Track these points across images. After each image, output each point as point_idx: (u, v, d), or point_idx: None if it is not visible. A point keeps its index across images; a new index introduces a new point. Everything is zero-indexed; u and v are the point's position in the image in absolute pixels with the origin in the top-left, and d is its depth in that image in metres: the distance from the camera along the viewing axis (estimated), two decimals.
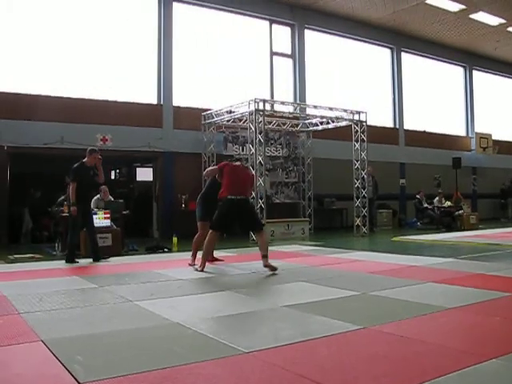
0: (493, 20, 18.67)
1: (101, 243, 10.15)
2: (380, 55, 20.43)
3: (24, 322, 4.50)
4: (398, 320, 4.40)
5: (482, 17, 18.35)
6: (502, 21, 18.73)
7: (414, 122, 20.86)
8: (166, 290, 4.71)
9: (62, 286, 6.39)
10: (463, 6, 17.26)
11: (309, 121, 16.21)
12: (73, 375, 3.09)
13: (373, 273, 7.20)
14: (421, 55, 21.54)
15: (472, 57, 23.07)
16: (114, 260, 9.40)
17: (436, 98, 21.86)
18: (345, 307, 5.03)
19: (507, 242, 11.58)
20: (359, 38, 19.43)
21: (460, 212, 17.08)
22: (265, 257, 7.22)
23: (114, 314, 4.82)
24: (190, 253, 8.19)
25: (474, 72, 23.72)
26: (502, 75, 25.04)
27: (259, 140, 13.15)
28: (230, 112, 14.25)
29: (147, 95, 14.90)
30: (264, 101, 13.40)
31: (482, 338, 3.91)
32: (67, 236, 10.99)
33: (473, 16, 18.23)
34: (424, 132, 21.09)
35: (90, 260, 9.25)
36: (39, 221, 14.11)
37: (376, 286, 6.07)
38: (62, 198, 11.82)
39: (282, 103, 14.69)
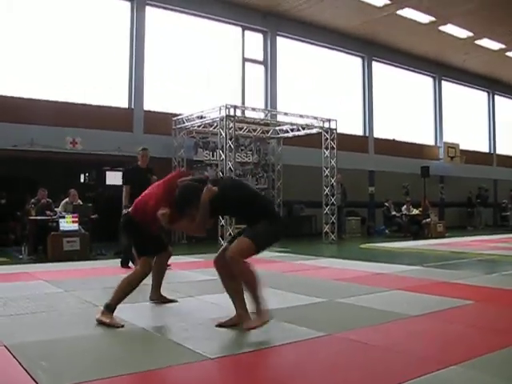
0: (461, 33, 19.05)
1: (68, 247, 10.07)
2: (351, 64, 20.64)
3: None
4: (362, 327, 4.45)
5: (450, 29, 18.71)
6: (470, 34, 19.13)
7: (383, 130, 21.10)
8: (132, 296, 4.70)
9: (28, 291, 6.32)
10: (433, 18, 17.58)
11: (279, 127, 16.29)
12: (36, 381, 3.08)
13: (339, 280, 7.26)
14: (391, 65, 21.81)
15: (441, 67, 23.45)
16: (81, 264, 9.31)
17: (406, 107, 22.15)
18: (310, 314, 5.06)
19: (472, 251, 11.77)
20: (331, 46, 19.61)
21: (427, 220, 17.30)
22: None
23: (80, 318, 4.78)
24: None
25: (443, 82, 24.11)
26: (470, 86, 25.49)
27: (229, 146, 13.17)
28: (201, 117, 14.25)
29: (118, 99, 14.83)
30: (235, 107, 13.44)
31: (445, 344, 3.99)
32: (33, 240, 10.93)
33: (442, 28, 18.56)
34: (393, 140, 21.34)
35: (57, 263, 9.16)
36: (6, 224, 13.90)
37: (342, 293, 6.13)
38: (33, 200, 11.69)
39: (253, 109, 14.74)
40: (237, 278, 4.36)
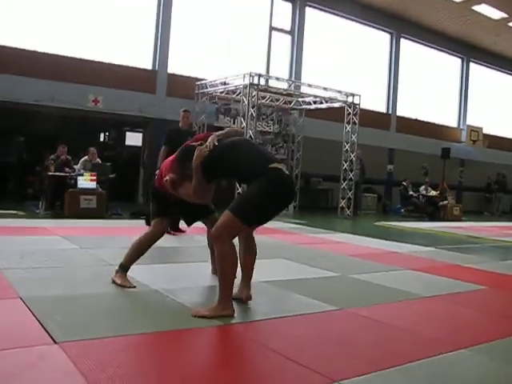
0: (495, 13, 18.65)
1: (85, 205, 10.15)
2: (379, 39, 20.36)
3: (3, 278, 4.50)
4: (374, 304, 4.46)
5: (484, 9, 18.31)
6: (504, 15, 18.71)
7: (406, 108, 20.88)
8: (148, 257, 4.74)
9: (44, 245, 6.40)
10: None
11: (302, 99, 16.17)
12: (49, 334, 3.12)
13: (353, 255, 7.26)
14: (420, 43, 21.48)
15: (471, 49, 23.04)
16: (97, 222, 9.39)
17: (431, 87, 21.86)
18: (323, 287, 5.07)
19: (488, 236, 11.70)
20: (360, 20, 19.32)
21: (444, 202, 17.20)
22: None
23: (95, 276, 4.83)
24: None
25: (471, 64, 23.72)
26: (499, 70, 25.04)
27: (251, 114, 13.12)
28: (225, 84, 14.17)
29: (143, 60, 14.78)
30: (259, 75, 13.34)
31: (455, 327, 3.98)
32: (51, 195, 11.03)
33: (475, 8, 18.18)
34: (416, 120, 21.13)
35: (73, 220, 9.26)
36: (25, 178, 14.03)
37: (355, 268, 6.13)
38: (52, 156, 11.76)
39: (277, 79, 14.62)
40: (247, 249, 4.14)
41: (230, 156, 3.94)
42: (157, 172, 5.11)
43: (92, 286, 4.47)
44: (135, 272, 4.68)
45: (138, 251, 4.61)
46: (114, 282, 4.49)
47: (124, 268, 4.59)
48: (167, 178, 4.30)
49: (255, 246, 4.19)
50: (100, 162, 11.87)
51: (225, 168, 4.02)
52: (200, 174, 3.91)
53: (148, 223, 7.19)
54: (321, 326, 3.76)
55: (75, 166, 11.51)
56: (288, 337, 3.47)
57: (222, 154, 3.94)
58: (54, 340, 3.02)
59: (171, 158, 4.53)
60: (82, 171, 11.03)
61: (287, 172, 3.95)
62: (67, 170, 11.30)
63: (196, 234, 7.79)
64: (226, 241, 3.70)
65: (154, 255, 5.02)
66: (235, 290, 3.97)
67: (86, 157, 11.70)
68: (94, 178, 10.64)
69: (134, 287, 4.41)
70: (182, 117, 8.76)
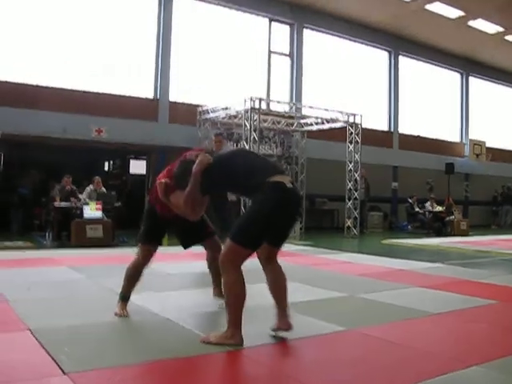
0: (491, 28, 18.78)
1: (91, 234, 10.18)
2: (378, 58, 20.47)
3: (12, 310, 4.51)
4: (383, 323, 4.43)
5: (480, 24, 18.44)
6: (500, 29, 18.84)
7: (408, 125, 20.92)
8: (155, 284, 4.76)
9: (52, 276, 6.41)
10: (462, 13, 17.34)
11: (304, 121, 16.23)
12: (59, 365, 3.12)
13: (361, 275, 7.23)
14: (418, 59, 21.58)
15: (469, 63, 23.14)
16: (103, 251, 9.40)
17: (432, 103, 21.92)
18: (331, 308, 5.06)
19: (496, 250, 11.63)
20: (358, 39, 19.46)
21: (451, 217, 17.15)
22: None
23: (101, 305, 4.83)
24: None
25: (471, 78, 23.79)
26: (498, 83, 25.11)
27: (254, 138, 13.18)
28: (226, 109, 14.25)
29: (144, 89, 14.89)
30: (260, 99, 13.42)
31: (467, 344, 3.96)
32: (58, 226, 11.07)
33: (471, 23, 18.32)
34: (418, 136, 21.16)
35: (80, 250, 9.28)
36: (31, 209, 14.08)
37: (364, 288, 6.11)
38: (58, 187, 11.82)
39: (278, 102, 14.71)
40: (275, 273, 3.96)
41: (227, 166, 3.82)
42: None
43: (100, 315, 4.46)
44: (144, 300, 4.68)
45: (130, 280, 4.54)
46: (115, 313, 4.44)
47: (123, 297, 4.54)
48: (162, 180, 4.19)
49: (280, 271, 3.98)
50: (105, 190, 11.93)
51: (221, 180, 3.88)
52: (198, 181, 3.75)
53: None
54: (329, 348, 3.75)
55: (80, 196, 11.57)
56: (299, 360, 3.46)
57: (221, 164, 3.83)
58: (63, 371, 3.02)
59: (170, 166, 4.38)
60: (87, 201, 11.08)
61: (290, 184, 3.70)
62: (73, 200, 11.35)
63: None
64: (231, 269, 3.60)
65: (160, 282, 5.01)
66: (275, 321, 3.92)
67: (91, 186, 11.77)
68: (100, 207, 10.68)
69: (126, 316, 4.38)
70: (214, 141, 8.47)
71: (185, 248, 4.77)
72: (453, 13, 17.39)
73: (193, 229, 4.57)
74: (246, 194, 3.90)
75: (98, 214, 10.63)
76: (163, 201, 4.19)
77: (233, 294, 3.61)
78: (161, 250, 4.58)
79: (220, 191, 4.33)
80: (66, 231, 10.87)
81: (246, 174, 3.71)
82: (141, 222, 4.62)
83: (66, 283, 5.96)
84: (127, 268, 4.56)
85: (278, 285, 3.94)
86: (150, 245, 4.51)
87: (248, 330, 3.88)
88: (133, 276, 4.53)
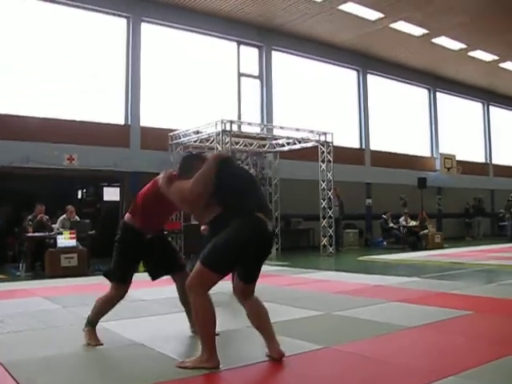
0: (454, 45, 19.18)
1: (66, 263, 10.07)
2: (346, 77, 20.72)
3: None
4: (360, 339, 4.45)
5: (444, 41, 18.83)
6: (463, 46, 19.27)
7: (380, 142, 21.14)
8: (131, 311, 4.71)
9: (26, 308, 6.32)
10: (426, 31, 17.69)
11: (276, 141, 16.32)
12: None
13: (337, 292, 7.26)
14: (386, 77, 21.88)
15: (436, 79, 23.57)
16: (79, 280, 9.30)
17: (402, 119, 22.22)
18: (307, 327, 5.07)
19: (471, 261, 11.78)
20: (326, 59, 19.69)
21: (425, 231, 17.29)
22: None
23: (77, 335, 4.74)
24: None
25: (438, 94, 24.20)
26: (465, 97, 25.59)
27: None
28: (198, 132, 14.28)
29: (115, 115, 14.86)
30: (231, 122, 13.48)
31: (443, 355, 3.98)
32: (31, 256, 10.92)
33: (435, 40, 18.69)
34: (389, 153, 21.38)
35: (55, 280, 9.17)
36: (3, 240, 13.89)
37: (340, 305, 6.13)
38: (30, 217, 11.69)
39: (249, 124, 14.77)
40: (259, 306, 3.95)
41: (234, 176, 3.84)
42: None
43: (75, 344, 4.39)
44: (118, 327, 4.63)
45: (100, 311, 4.46)
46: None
47: (91, 324, 4.45)
48: (167, 173, 4.04)
49: (258, 304, 3.96)
50: (78, 219, 11.82)
51: (222, 185, 3.75)
52: (211, 168, 3.71)
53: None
54: (307, 367, 3.74)
55: (54, 225, 11.45)
56: (277, 380, 3.45)
57: (231, 172, 3.86)
58: None
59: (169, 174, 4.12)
60: (60, 230, 10.97)
61: (270, 229, 3.75)
62: (47, 229, 11.22)
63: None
64: (199, 291, 3.58)
65: (134, 308, 4.96)
66: (265, 349, 3.89)
67: (64, 215, 11.65)
68: (74, 235, 10.58)
69: (101, 344, 4.31)
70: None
71: (153, 279, 4.67)
72: (417, 31, 17.74)
73: (165, 258, 4.52)
74: (226, 211, 3.66)
75: (73, 242, 10.53)
76: (163, 191, 3.99)
77: (202, 318, 3.59)
78: (136, 276, 4.54)
79: (214, 196, 3.81)
80: (40, 261, 10.74)
81: (242, 193, 3.74)
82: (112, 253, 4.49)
83: (41, 314, 5.88)
84: (99, 300, 4.47)
85: (259, 318, 3.94)
86: (124, 284, 4.41)
87: (226, 352, 3.88)
88: (104, 309, 4.47)
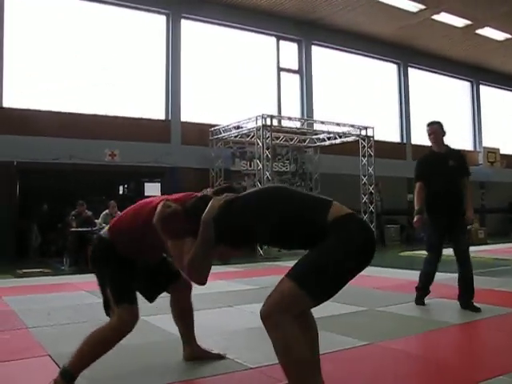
0: (499, 35, 18.76)
1: None
2: (387, 70, 20.50)
3: (32, 336, 4.53)
4: (404, 336, 4.39)
5: (487, 32, 18.44)
6: (508, 36, 18.81)
7: (421, 136, 20.76)
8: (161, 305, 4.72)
9: (71, 301, 6.44)
10: (469, 22, 17.35)
11: (316, 136, 16.25)
12: None
13: (380, 288, 7.19)
14: (427, 70, 21.57)
15: (479, 71, 23.10)
16: None
17: (443, 113, 21.76)
18: (351, 323, 5.02)
19: None
20: (366, 53, 19.51)
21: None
22: None
23: None
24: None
25: (481, 86, 23.73)
26: (509, 89, 25.02)
27: (266, 155, 13.20)
28: (238, 127, 14.32)
29: (155, 111, 15.02)
30: (271, 116, 13.47)
31: (489, 353, 3.90)
32: (74, 251, 11.09)
33: (479, 31, 18.32)
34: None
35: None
36: (47, 235, 14.15)
37: (382, 301, 6.07)
38: (73, 212, 11.87)
39: (289, 119, 14.75)
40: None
41: (268, 210, 2.75)
42: (416, 218, 5.33)
43: None
44: (161, 322, 4.64)
45: (95, 353, 3.18)
46: None
47: (68, 376, 3.07)
48: (171, 205, 2.94)
49: (312, 324, 3.08)
50: (121, 214, 11.94)
51: (260, 229, 2.75)
52: (209, 233, 2.69)
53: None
54: (351, 363, 3.71)
55: (96, 221, 11.61)
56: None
57: (254, 208, 2.78)
58: None
59: (175, 196, 3.23)
60: (103, 225, 11.11)
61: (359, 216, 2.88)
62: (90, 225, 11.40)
63: (218, 280, 7.73)
64: (285, 320, 2.51)
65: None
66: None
67: (106, 210, 11.82)
68: None
69: None
70: (429, 134, 6.63)
71: (151, 301, 3.71)
72: (460, 22, 17.42)
73: (159, 269, 3.60)
74: (295, 243, 2.82)
75: None
76: (156, 227, 2.92)
77: (292, 354, 2.52)
78: None
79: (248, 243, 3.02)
80: (83, 256, 10.89)
81: (293, 212, 2.85)
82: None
83: (85, 308, 5.97)
84: (92, 338, 3.21)
85: (306, 331, 2.88)
86: (134, 304, 3.24)
87: (265, 348, 3.85)
88: (99, 351, 3.19)
